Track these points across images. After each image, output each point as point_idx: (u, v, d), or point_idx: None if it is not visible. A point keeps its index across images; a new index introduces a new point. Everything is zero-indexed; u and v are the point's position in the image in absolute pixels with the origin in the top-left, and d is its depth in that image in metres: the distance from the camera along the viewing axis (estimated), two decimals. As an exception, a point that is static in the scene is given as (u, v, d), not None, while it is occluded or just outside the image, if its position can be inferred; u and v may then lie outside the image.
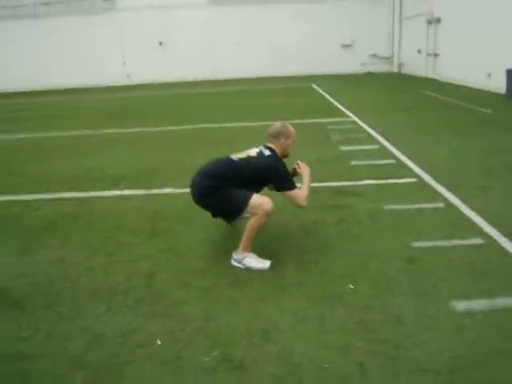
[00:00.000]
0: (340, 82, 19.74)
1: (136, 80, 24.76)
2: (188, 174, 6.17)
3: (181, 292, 3.35)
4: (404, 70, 23.82)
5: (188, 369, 2.56)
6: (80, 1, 24.65)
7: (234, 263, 3.67)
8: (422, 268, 3.52)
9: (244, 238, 3.61)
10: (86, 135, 10.17)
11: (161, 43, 25.09)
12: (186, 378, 2.48)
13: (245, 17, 24.12)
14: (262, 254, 3.71)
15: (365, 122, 9.60)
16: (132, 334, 2.89)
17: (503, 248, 3.75)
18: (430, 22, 19.77)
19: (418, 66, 21.36)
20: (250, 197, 3.47)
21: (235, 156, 3.74)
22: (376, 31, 24.07)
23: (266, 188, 3.88)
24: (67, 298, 3.38)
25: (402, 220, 4.45)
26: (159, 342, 2.80)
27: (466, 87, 15.35)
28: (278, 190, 3.74)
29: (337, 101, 13.36)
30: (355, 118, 10.23)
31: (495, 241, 3.89)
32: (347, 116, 10.71)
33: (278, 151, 3.82)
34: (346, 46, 24.67)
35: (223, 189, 3.54)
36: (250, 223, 3.54)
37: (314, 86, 18.31)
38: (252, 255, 3.63)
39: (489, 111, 10.52)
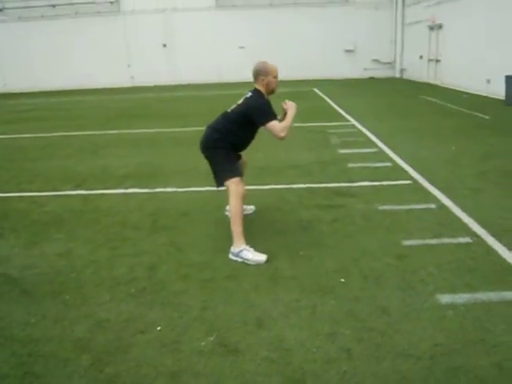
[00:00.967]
0: (342, 87, 19.94)
1: (140, 82, 25.03)
2: (190, 174, 6.46)
3: (180, 283, 3.53)
4: (406, 76, 24.02)
5: (186, 352, 2.74)
6: (86, 3, 24.91)
7: (232, 257, 3.85)
8: (411, 264, 3.69)
9: (231, 225, 3.88)
10: (91, 135, 10.38)
11: (165, 45, 25.35)
12: (184, 360, 2.66)
13: (249, 21, 24.35)
14: (258, 249, 3.89)
15: (364, 126, 9.78)
16: (134, 321, 3.07)
17: (490, 246, 3.93)
18: (431, 29, 19.98)
19: (419, 72, 21.56)
20: (228, 176, 3.88)
21: (230, 108, 4.16)
22: (378, 37, 24.29)
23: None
24: (73, 287, 3.56)
25: (394, 220, 4.63)
26: (159, 328, 2.98)
27: (466, 93, 15.52)
28: (259, 124, 3.95)
29: (338, 105, 13.56)
30: (355, 122, 10.41)
31: (483, 240, 4.06)
32: (347, 120, 10.89)
33: (263, 89, 4.05)
34: (348, 52, 24.88)
35: (223, 149, 4.02)
36: (230, 206, 3.89)
37: (316, 90, 18.52)
38: (249, 248, 3.82)
39: (487, 117, 10.69)
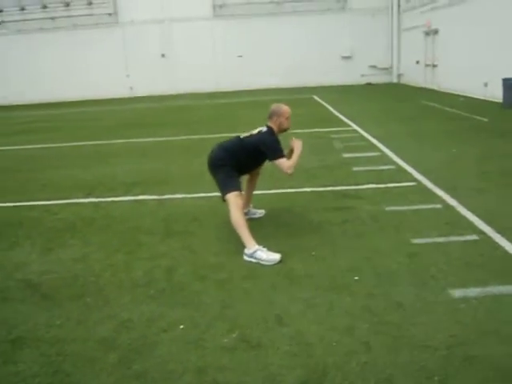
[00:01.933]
0: (341, 93, 20.11)
1: (139, 92, 25.19)
2: (197, 181, 6.56)
3: (198, 284, 3.63)
4: (403, 81, 24.24)
5: (210, 348, 2.83)
6: (84, 15, 25.13)
7: (246, 258, 3.95)
8: (422, 262, 3.80)
9: (238, 234, 4.07)
10: (96, 145, 10.50)
11: (163, 55, 25.54)
12: (209, 356, 2.75)
13: (247, 30, 24.57)
14: (271, 251, 3.99)
15: (365, 131, 9.91)
16: (156, 320, 3.16)
17: (496, 243, 4.03)
18: (427, 34, 20.20)
19: (416, 77, 21.76)
20: (228, 190, 4.12)
21: (243, 134, 4.50)
22: (375, 43, 24.54)
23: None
24: (93, 290, 3.65)
25: (402, 220, 4.73)
26: (182, 327, 3.07)
27: (463, 96, 15.69)
28: (269, 159, 4.35)
29: (338, 111, 13.70)
30: (356, 127, 10.55)
31: (489, 237, 4.17)
32: (348, 125, 11.03)
33: (275, 128, 4.42)
34: (345, 58, 25.11)
35: (227, 166, 4.27)
36: (231, 218, 4.08)
37: (316, 97, 18.69)
38: (262, 248, 3.93)
39: (485, 119, 10.83)
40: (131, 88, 25.54)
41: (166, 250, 4.34)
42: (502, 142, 8.38)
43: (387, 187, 5.89)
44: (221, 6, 25.00)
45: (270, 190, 5.97)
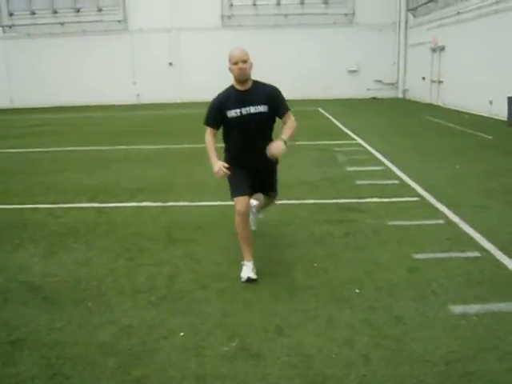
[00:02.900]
0: (346, 107, 20.18)
1: (145, 99, 25.31)
2: (200, 189, 6.59)
3: (200, 292, 3.64)
4: (408, 96, 24.32)
5: (210, 356, 2.84)
6: (94, 22, 25.35)
7: None
8: (423, 276, 3.80)
9: None
10: (101, 150, 10.56)
11: (171, 64, 25.70)
12: (208, 364, 2.76)
13: (254, 41, 24.68)
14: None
15: (370, 145, 9.95)
16: (156, 327, 3.17)
17: (498, 260, 4.04)
18: (434, 50, 20.30)
19: (422, 93, 21.83)
20: (232, 195, 3.90)
21: None
22: (381, 58, 24.65)
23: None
24: (94, 294, 3.67)
25: (404, 234, 4.75)
26: (182, 334, 3.08)
27: (468, 113, 15.73)
28: None
29: (343, 124, 13.76)
30: (360, 141, 10.58)
31: (491, 254, 4.18)
32: (353, 139, 11.07)
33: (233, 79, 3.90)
34: (352, 72, 25.22)
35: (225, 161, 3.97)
36: None
37: (321, 109, 18.76)
38: (246, 263, 3.84)
39: (490, 137, 10.86)
40: (138, 95, 25.68)
41: (168, 257, 4.36)
42: (506, 159, 8.40)
43: (390, 201, 5.91)
44: (229, 17, 25.21)
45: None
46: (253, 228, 4.48)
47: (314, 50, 24.46)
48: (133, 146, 10.88)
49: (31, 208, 6.10)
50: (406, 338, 2.95)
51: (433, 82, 20.52)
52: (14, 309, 3.50)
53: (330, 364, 2.72)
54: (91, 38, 25.40)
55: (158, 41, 25.21)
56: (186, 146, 10.70)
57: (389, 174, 7.41)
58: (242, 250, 3.91)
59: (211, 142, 3.94)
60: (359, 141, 10.65)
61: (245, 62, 3.76)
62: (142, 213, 5.81)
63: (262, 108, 3.84)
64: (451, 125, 13.14)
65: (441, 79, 19.56)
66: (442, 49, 19.26)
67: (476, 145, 10.02)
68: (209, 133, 3.95)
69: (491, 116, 14.66)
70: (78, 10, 25.67)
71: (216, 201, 5.91)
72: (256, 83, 3.91)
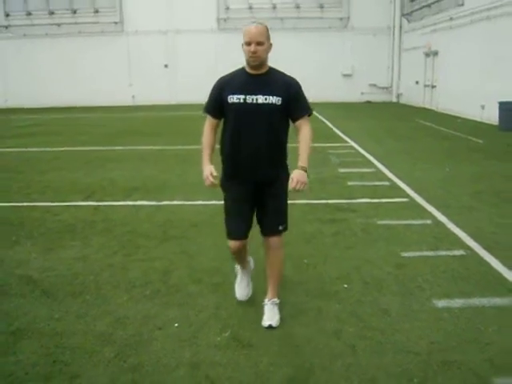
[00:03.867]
0: (340, 110, 20.34)
1: (141, 101, 25.38)
2: (195, 189, 6.71)
3: (194, 286, 3.77)
4: (402, 100, 24.53)
5: (203, 345, 2.96)
6: (90, 23, 25.43)
7: None
8: (409, 273, 3.95)
9: None
10: (97, 150, 10.65)
11: (166, 66, 25.80)
12: (202, 353, 2.88)
13: (249, 44, 24.90)
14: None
15: (362, 148, 10.11)
16: (151, 318, 3.30)
17: (482, 258, 4.19)
18: (427, 55, 20.53)
19: (415, 97, 22.05)
20: (226, 233, 3.28)
21: None
22: (376, 62, 24.86)
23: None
24: (91, 288, 3.78)
25: (392, 233, 4.89)
26: (176, 325, 3.20)
27: (460, 118, 15.94)
28: None
29: (336, 127, 13.93)
30: (353, 144, 10.75)
31: (476, 252, 4.33)
32: (346, 141, 11.23)
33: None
34: (346, 76, 25.41)
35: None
36: None
37: (315, 112, 18.87)
38: (239, 270, 3.59)
39: (480, 141, 11.05)
40: (133, 97, 25.75)
41: (162, 253, 4.48)
42: (496, 163, 8.57)
43: (380, 202, 6.05)
44: (225, 20, 25.35)
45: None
46: (252, 267, 3.72)
47: (309, 54, 24.62)
48: (128, 147, 10.99)
49: (28, 206, 6.20)
50: (391, 329, 3.09)
51: (426, 86, 20.74)
52: (14, 301, 3.61)
53: (317, 353, 2.85)
54: (87, 39, 25.47)
55: (154, 43, 25.31)
56: (180, 147, 10.81)
57: (380, 175, 7.56)
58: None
59: (208, 138, 3.19)
60: (352, 143, 10.82)
61: (260, 44, 3.01)
62: (138, 211, 5.93)
63: (274, 99, 3.01)
64: (443, 129, 13.33)
65: (434, 84, 19.79)
66: (436, 54, 19.49)
67: (466, 148, 10.19)
68: (208, 125, 3.21)
69: (483, 121, 14.86)
70: (74, 11, 25.72)
71: (210, 200, 6.02)
72: (273, 70, 3.18)
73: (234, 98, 3.04)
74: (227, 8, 25.30)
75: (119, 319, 3.29)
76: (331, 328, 3.13)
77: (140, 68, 25.60)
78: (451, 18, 17.59)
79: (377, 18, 24.41)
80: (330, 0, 24.93)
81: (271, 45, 3.13)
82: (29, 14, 25.84)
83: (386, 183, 7.04)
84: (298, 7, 24.98)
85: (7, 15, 26.04)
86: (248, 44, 3.01)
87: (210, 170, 3.03)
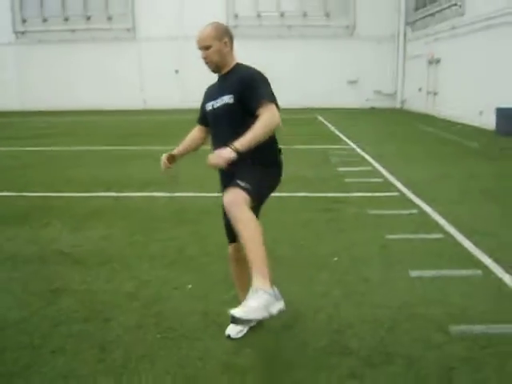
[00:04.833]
0: (344, 115, 20.96)
1: (152, 105, 26.15)
2: (206, 183, 7.32)
3: (205, 258, 4.39)
4: (406, 107, 25.12)
5: (212, 301, 3.57)
6: (103, 29, 26.27)
7: None
8: (391, 251, 4.55)
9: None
10: (113, 150, 11.35)
11: (177, 71, 26.57)
12: (212, 306, 3.49)
13: (257, 51, 25.56)
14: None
15: (362, 150, 10.70)
16: (169, 281, 3.92)
17: (457, 241, 4.77)
18: (430, 63, 21.13)
19: (418, 103, 22.64)
20: None
21: None
22: (381, 69, 25.51)
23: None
24: (117, 259, 4.42)
25: (380, 220, 5.49)
26: (190, 286, 3.82)
27: (460, 124, 16.49)
28: None
29: (339, 131, 14.52)
30: (354, 146, 11.34)
31: (452, 236, 4.92)
32: (347, 144, 11.83)
33: None
34: (351, 82, 26.06)
35: None
36: None
37: (320, 117, 19.55)
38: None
39: (476, 145, 11.60)
40: (145, 101, 26.53)
41: (178, 234, 5.11)
42: (489, 165, 9.13)
43: (373, 196, 6.66)
44: (234, 27, 26.07)
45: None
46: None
47: (316, 61, 25.33)
48: (141, 147, 11.66)
49: (55, 196, 6.86)
50: (370, 292, 3.69)
51: (428, 93, 21.32)
52: (51, 268, 4.25)
53: (306, 308, 3.46)
54: (100, 45, 26.32)
55: (165, 49, 26.10)
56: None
57: (375, 173, 8.16)
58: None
59: (190, 135, 3.46)
60: (353, 146, 11.41)
61: (207, 48, 2.97)
62: (154, 201, 6.57)
63: (226, 98, 2.84)
64: (442, 134, 13.90)
65: (436, 91, 20.37)
66: (438, 61, 20.09)
67: (462, 152, 10.75)
68: (195, 128, 3.40)
69: (481, 126, 15.39)
70: (88, 18, 26.61)
71: (221, 192, 6.63)
72: (237, 67, 3.00)
73: (208, 107, 3.03)
74: (236, 16, 26.05)
75: (142, 282, 3.92)
76: (320, 291, 3.72)
77: (151, 73, 26.38)
78: (453, 27, 18.20)
79: (381, 26, 25.08)
80: (336, 8, 25.65)
81: (226, 42, 2.94)
82: (44, 20, 26.73)
83: (380, 180, 7.64)
84: (305, 15, 25.71)
85: (24, 21, 26.95)
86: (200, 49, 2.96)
87: (165, 156, 3.44)
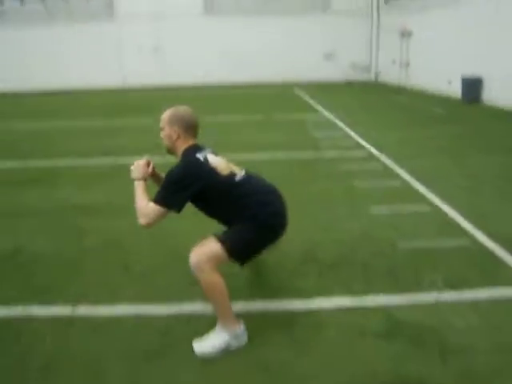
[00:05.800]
0: (320, 88, 21.73)
1: (131, 83, 26.50)
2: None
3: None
4: (380, 79, 25.97)
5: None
6: (81, 6, 26.41)
7: None
8: (356, 193, 5.47)
9: None
10: (101, 124, 12.03)
11: (156, 49, 26.94)
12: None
13: (235, 27, 26.05)
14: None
15: (336, 117, 11.55)
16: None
17: (411, 185, 5.69)
18: (403, 35, 21.93)
19: (392, 75, 23.49)
20: None
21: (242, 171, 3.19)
22: (355, 42, 26.24)
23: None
24: (128, 208, 5.21)
25: (349, 173, 6.37)
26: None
27: (431, 93, 17.43)
28: None
29: (315, 102, 15.33)
30: (327, 114, 12.24)
31: (408, 182, 5.83)
32: (323, 114, 12.67)
33: None
34: (327, 56, 26.77)
35: None
36: None
37: (297, 91, 20.32)
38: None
39: (442, 111, 12.54)
40: (124, 79, 26.86)
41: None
42: (448, 127, 10.04)
43: (344, 154, 7.54)
44: (212, 4, 26.48)
45: (240, 153, 7.55)
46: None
47: (292, 36, 25.90)
48: (128, 120, 12.41)
49: (59, 162, 7.61)
50: (336, 223, 4.59)
51: (402, 65, 22.18)
52: (71, 218, 5.03)
53: (294, 249, 4.17)
54: (78, 22, 26.44)
55: (144, 26, 26.36)
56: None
57: (346, 137, 9.05)
58: None
59: None
60: (326, 114, 12.28)
61: (161, 129, 3.13)
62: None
63: None
64: (412, 102, 14.82)
65: (408, 62, 21.24)
66: (410, 34, 20.91)
67: (428, 117, 11.67)
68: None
69: (450, 95, 16.33)
70: (65, -5, 26.68)
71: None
72: (181, 158, 3.12)
73: None
74: (213, -8, 26.40)
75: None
76: (295, 223, 4.58)
77: (130, 51, 26.65)
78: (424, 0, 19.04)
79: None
80: (311, -17, 26.20)
81: (175, 130, 3.01)
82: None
83: (352, 143, 8.51)
84: (281, -10, 26.20)
85: (0, 2, 26.89)
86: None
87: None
